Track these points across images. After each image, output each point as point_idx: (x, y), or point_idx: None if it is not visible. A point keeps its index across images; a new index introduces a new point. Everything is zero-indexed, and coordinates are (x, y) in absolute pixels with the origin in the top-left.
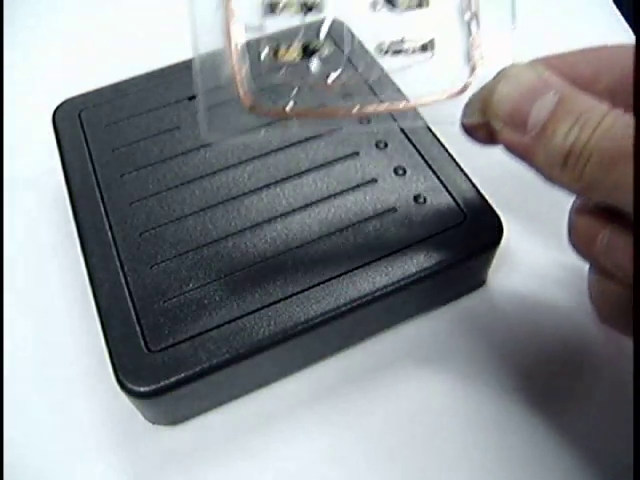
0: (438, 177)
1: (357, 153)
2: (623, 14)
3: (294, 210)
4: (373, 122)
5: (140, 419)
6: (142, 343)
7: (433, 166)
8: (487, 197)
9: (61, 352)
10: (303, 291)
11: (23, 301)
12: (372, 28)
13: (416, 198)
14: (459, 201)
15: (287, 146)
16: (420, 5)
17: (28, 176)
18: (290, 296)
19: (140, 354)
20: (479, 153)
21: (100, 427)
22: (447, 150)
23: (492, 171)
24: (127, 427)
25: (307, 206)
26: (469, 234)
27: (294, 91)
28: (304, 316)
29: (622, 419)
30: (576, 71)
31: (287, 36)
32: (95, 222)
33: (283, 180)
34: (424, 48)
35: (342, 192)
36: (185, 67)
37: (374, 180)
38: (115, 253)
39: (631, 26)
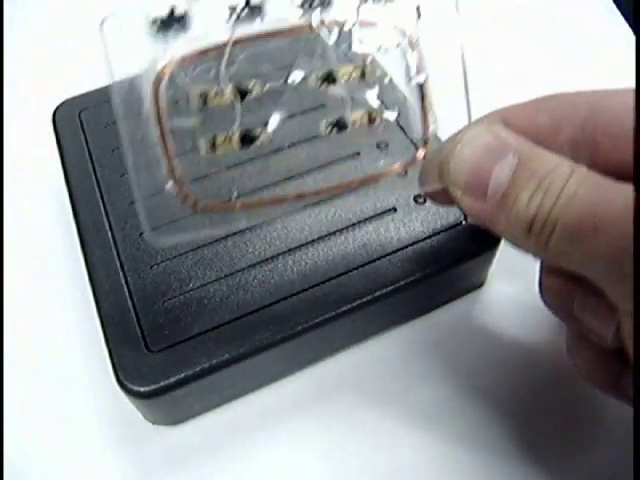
0: None
1: (358, 153)
2: (623, 14)
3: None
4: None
5: (140, 419)
6: (142, 343)
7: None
8: None
9: (61, 352)
10: (303, 291)
11: (23, 301)
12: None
13: (416, 198)
14: None
15: (288, 147)
16: (363, 76)
17: (28, 176)
18: (290, 296)
19: (140, 354)
20: None
21: (100, 427)
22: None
23: None
24: (127, 427)
25: (307, 206)
26: (469, 234)
27: (238, 182)
28: (304, 316)
29: (618, 435)
30: (535, 123)
31: (224, 125)
32: (95, 222)
33: (284, 181)
34: (371, 120)
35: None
36: None
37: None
38: (115, 253)
39: (631, 26)
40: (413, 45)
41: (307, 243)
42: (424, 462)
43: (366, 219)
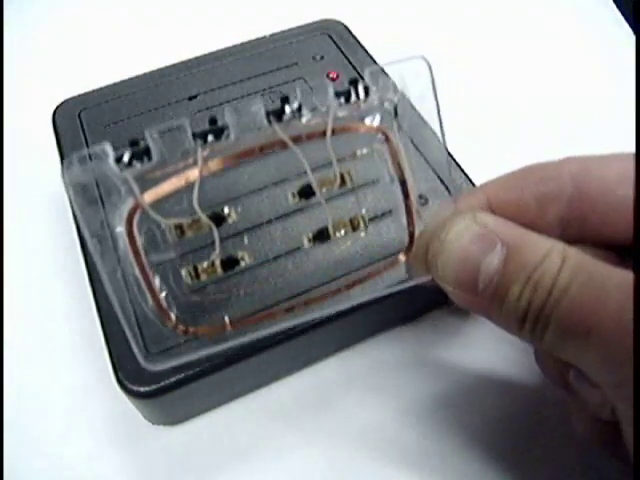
0: (439, 178)
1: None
2: (623, 14)
3: (294, 211)
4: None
5: (140, 419)
6: (142, 343)
7: (434, 166)
8: None
9: (61, 353)
10: (304, 292)
11: (23, 302)
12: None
13: (417, 198)
14: None
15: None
16: (343, 184)
17: (28, 176)
18: (290, 298)
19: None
20: (480, 154)
21: (100, 427)
22: (448, 151)
23: (493, 172)
24: (127, 427)
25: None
26: None
27: (227, 302)
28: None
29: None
30: (521, 204)
31: (205, 251)
32: None
33: (284, 180)
34: (354, 227)
35: (343, 193)
36: (185, 67)
37: (376, 181)
38: (115, 253)
39: (631, 26)
40: (391, 144)
41: (307, 245)
42: None
43: (367, 220)
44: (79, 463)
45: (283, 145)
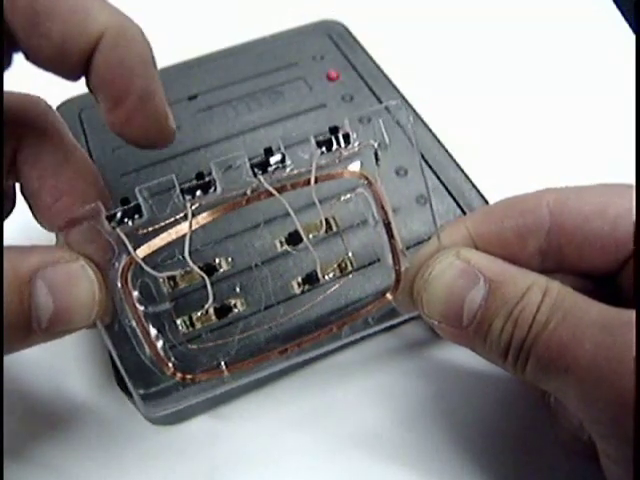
0: (439, 178)
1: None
2: (623, 14)
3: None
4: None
5: (140, 419)
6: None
7: (434, 167)
8: (488, 198)
9: (63, 354)
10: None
11: None
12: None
13: (418, 199)
14: (460, 202)
15: (290, 146)
16: (329, 228)
17: None
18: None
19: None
20: (479, 154)
21: (101, 427)
22: (448, 151)
23: (493, 172)
24: (127, 427)
25: (308, 206)
26: None
27: (222, 348)
28: (304, 319)
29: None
30: (502, 239)
31: (199, 299)
32: None
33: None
34: (342, 269)
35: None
36: (185, 67)
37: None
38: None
39: (631, 26)
40: (373, 188)
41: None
42: None
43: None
44: (79, 463)
45: (269, 195)
